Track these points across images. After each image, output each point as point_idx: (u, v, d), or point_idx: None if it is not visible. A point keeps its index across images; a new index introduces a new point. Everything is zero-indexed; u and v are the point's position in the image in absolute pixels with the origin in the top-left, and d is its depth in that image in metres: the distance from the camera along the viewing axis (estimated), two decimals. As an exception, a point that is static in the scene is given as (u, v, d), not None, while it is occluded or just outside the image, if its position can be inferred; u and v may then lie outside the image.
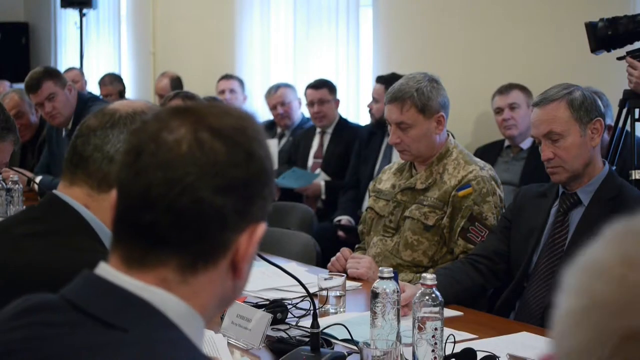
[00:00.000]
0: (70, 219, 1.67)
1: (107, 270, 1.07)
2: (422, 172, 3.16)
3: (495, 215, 3.06)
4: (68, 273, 1.12)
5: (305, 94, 5.68)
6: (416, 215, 3.11)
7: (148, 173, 1.04)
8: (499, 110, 4.69)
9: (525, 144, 4.69)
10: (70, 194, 1.69)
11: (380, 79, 5.20)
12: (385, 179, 3.32)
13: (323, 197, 5.35)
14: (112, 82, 7.23)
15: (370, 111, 5.36)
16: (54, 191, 1.73)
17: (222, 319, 2.41)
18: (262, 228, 1.08)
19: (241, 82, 6.53)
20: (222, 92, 6.38)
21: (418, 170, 3.19)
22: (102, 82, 7.25)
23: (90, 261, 1.46)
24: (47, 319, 1.05)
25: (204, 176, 1.03)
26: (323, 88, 5.54)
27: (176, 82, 6.93)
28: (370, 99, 5.35)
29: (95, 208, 1.68)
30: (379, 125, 5.10)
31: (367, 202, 3.44)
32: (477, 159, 3.20)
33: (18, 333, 1.06)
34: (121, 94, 7.14)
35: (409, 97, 3.06)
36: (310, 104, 5.59)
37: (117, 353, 0.99)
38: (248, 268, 1.11)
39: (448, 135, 3.20)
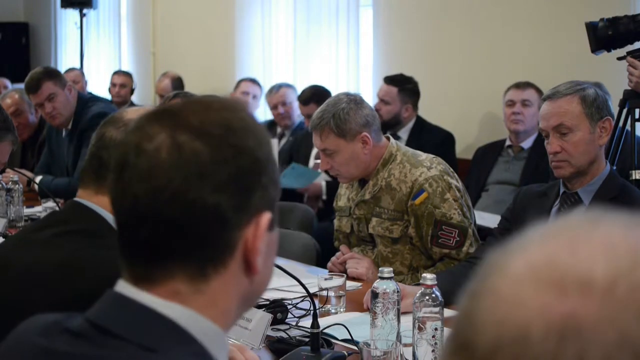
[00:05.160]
0: (96, 221, 1.73)
1: (126, 287, 1.02)
2: (370, 182, 3.13)
3: (458, 209, 3.00)
4: (102, 270, 1.12)
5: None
6: (380, 231, 3.09)
7: (132, 187, 0.99)
8: (510, 103, 4.66)
9: (526, 144, 4.68)
10: (95, 202, 1.76)
11: (387, 80, 5.16)
12: (343, 194, 3.31)
13: (324, 197, 5.34)
14: (126, 75, 7.44)
15: (378, 112, 5.33)
16: (76, 199, 1.79)
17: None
18: (266, 217, 1.02)
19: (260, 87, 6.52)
20: (247, 94, 6.34)
21: (367, 180, 3.15)
22: (116, 73, 7.44)
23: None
24: (71, 345, 1.01)
25: (189, 178, 0.98)
26: (310, 103, 5.40)
27: (177, 83, 6.95)
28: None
29: None
30: (385, 127, 5.08)
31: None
32: (423, 157, 3.12)
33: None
34: (132, 91, 7.34)
35: (326, 124, 3.02)
36: (303, 114, 5.58)
37: None
38: (264, 261, 1.04)
39: (389, 139, 3.16)
